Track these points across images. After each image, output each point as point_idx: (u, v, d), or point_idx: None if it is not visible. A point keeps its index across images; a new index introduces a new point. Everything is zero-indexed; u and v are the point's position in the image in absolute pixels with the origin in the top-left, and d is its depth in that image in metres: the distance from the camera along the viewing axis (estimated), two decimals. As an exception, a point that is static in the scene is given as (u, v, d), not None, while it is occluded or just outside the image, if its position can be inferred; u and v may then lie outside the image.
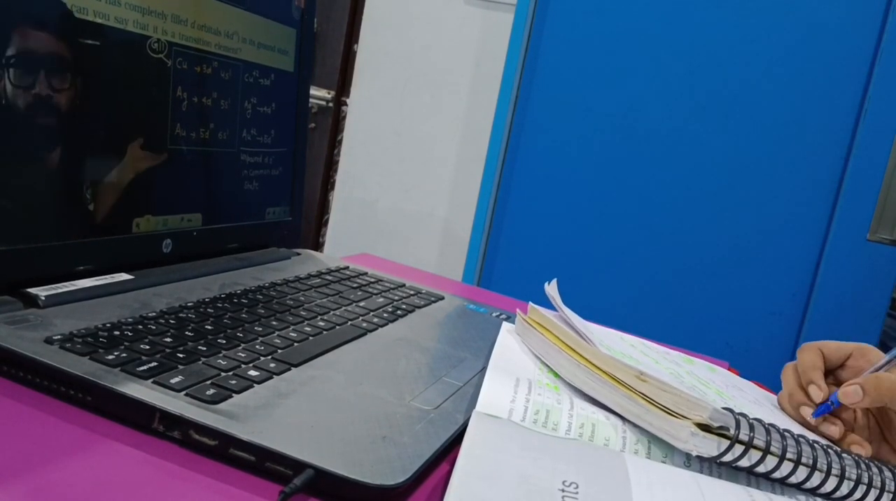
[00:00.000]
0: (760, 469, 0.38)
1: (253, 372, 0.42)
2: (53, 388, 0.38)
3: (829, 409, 0.51)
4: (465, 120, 1.95)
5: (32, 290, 0.46)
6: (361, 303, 0.62)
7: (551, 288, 0.58)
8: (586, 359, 0.46)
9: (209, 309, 0.51)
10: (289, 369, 0.44)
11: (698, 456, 0.39)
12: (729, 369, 0.71)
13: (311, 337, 0.50)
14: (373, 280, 0.72)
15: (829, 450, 0.40)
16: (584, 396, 0.45)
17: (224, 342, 0.46)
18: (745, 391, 0.56)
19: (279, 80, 0.74)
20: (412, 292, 0.71)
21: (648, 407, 0.40)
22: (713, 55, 1.63)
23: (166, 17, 0.57)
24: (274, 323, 0.52)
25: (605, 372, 0.44)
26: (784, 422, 0.45)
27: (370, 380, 0.46)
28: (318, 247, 2.14)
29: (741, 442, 0.38)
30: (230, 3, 0.65)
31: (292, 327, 0.52)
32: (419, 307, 0.66)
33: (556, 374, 0.48)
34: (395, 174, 2.03)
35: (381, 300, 0.65)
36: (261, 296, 0.58)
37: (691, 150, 1.67)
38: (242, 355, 0.44)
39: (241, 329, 0.49)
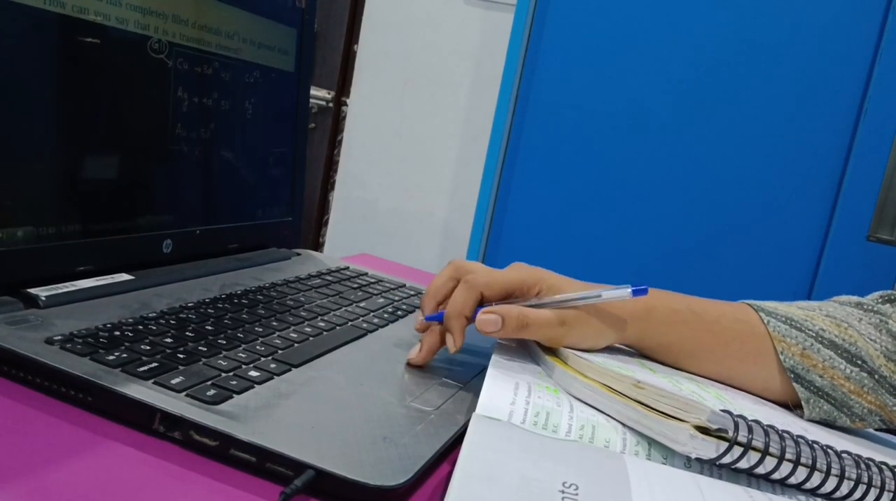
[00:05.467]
0: (760, 470, 0.38)
1: (253, 373, 0.42)
2: (54, 389, 0.38)
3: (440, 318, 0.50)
4: (465, 120, 1.95)
5: (33, 291, 0.46)
6: (362, 304, 0.62)
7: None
8: (581, 373, 0.46)
9: (209, 310, 0.52)
10: (289, 369, 0.44)
11: (698, 458, 0.39)
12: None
13: (311, 338, 0.51)
14: (373, 280, 0.72)
15: (829, 450, 0.40)
16: (583, 401, 0.45)
17: (224, 342, 0.46)
18: (747, 393, 0.56)
19: (279, 80, 0.74)
20: (412, 292, 0.71)
21: (646, 412, 0.41)
22: (713, 55, 1.64)
23: (167, 18, 0.57)
24: (274, 323, 0.52)
25: (600, 383, 0.44)
26: (784, 422, 0.45)
27: (370, 381, 0.46)
28: (318, 247, 2.14)
29: (740, 444, 0.38)
30: (231, 3, 0.65)
31: (293, 327, 0.52)
32: (419, 307, 0.66)
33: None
34: (395, 174, 2.03)
35: (382, 300, 0.65)
36: (261, 297, 0.58)
37: (691, 151, 1.67)
38: (243, 355, 0.44)
39: (241, 329, 0.49)
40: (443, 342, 0.51)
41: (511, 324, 0.48)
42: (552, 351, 0.51)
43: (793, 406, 0.54)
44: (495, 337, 0.49)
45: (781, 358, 0.53)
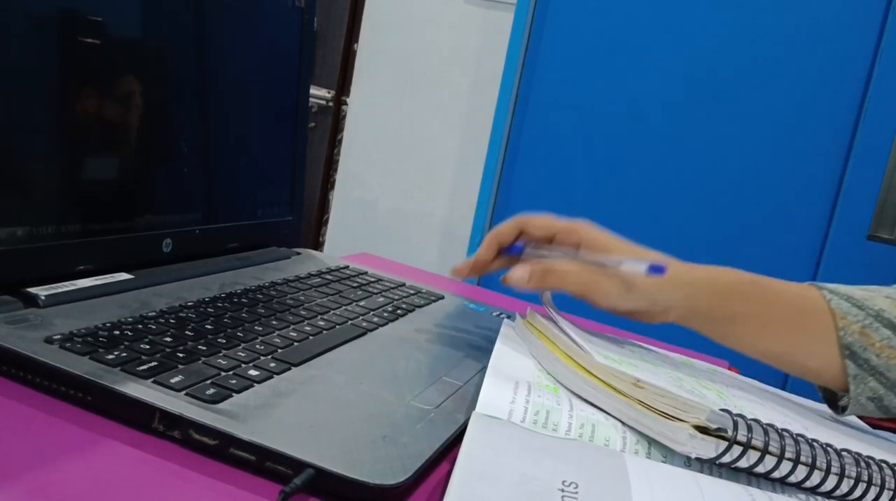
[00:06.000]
0: (759, 468, 0.38)
1: (253, 372, 0.42)
2: (53, 388, 0.38)
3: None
4: (465, 120, 1.95)
5: (32, 290, 0.46)
6: (361, 303, 0.62)
7: (546, 299, 0.58)
8: (583, 368, 0.46)
9: (209, 309, 0.52)
10: (289, 368, 0.44)
11: (698, 457, 0.39)
12: (729, 368, 0.71)
13: (311, 337, 0.51)
14: (373, 279, 0.72)
15: (829, 449, 0.40)
16: (583, 398, 0.45)
17: (224, 341, 0.46)
18: (746, 390, 0.56)
19: (279, 79, 0.74)
20: (412, 291, 0.71)
21: (646, 411, 0.40)
22: (713, 55, 1.64)
23: (167, 19, 0.57)
24: (274, 322, 0.52)
25: (601, 380, 0.44)
26: (785, 420, 0.45)
27: (370, 380, 0.46)
28: (318, 246, 2.14)
29: (739, 443, 0.38)
30: (231, 3, 0.65)
31: (292, 326, 0.52)
32: (419, 306, 0.66)
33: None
34: (395, 174, 2.03)
35: (381, 299, 0.65)
36: (261, 296, 0.58)
37: (691, 151, 1.67)
38: (242, 354, 0.44)
39: (241, 328, 0.49)
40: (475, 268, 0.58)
41: (537, 272, 0.52)
42: (556, 346, 0.51)
43: (842, 392, 0.54)
44: (525, 288, 0.52)
45: (840, 334, 0.52)
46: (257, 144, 0.72)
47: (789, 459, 0.39)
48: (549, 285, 0.52)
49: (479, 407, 0.41)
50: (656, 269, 0.49)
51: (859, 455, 0.40)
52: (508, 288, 0.55)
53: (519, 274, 0.52)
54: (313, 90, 2.07)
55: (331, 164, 2.14)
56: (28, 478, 0.30)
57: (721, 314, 0.54)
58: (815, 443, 0.39)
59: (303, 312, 0.56)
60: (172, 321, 0.47)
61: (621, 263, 0.50)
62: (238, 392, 0.39)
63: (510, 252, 0.57)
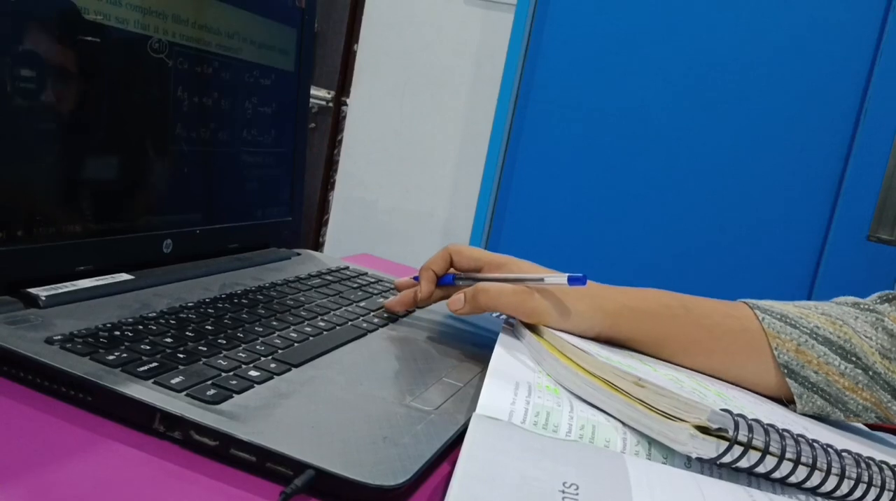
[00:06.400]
0: (760, 469, 0.38)
1: (253, 373, 0.42)
2: (54, 388, 0.38)
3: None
4: (465, 120, 1.95)
5: (33, 290, 0.46)
6: (362, 304, 0.62)
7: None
8: (583, 368, 0.46)
9: (209, 310, 0.52)
10: (289, 369, 0.44)
11: (698, 458, 0.39)
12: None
13: (311, 338, 0.51)
14: (373, 280, 0.72)
15: (829, 449, 0.40)
16: (583, 399, 0.45)
17: (224, 342, 0.46)
18: (745, 391, 0.56)
19: (279, 80, 0.74)
20: (412, 292, 0.71)
21: (647, 411, 0.40)
22: (713, 55, 1.64)
23: (167, 17, 0.57)
24: (274, 323, 0.52)
25: (601, 380, 0.44)
26: (784, 421, 0.45)
27: (370, 381, 0.46)
28: (318, 247, 2.14)
29: (740, 443, 0.38)
30: (231, 3, 0.65)
31: (293, 327, 0.52)
32: (419, 307, 0.66)
33: (555, 376, 0.48)
34: (395, 174, 2.03)
35: (382, 300, 0.65)
36: (261, 297, 0.58)
37: (691, 151, 1.67)
38: (243, 355, 0.44)
39: (241, 329, 0.49)
40: (415, 297, 0.60)
41: (469, 294, 0.53)
42: (555, 347, 0.51)
43: (786, 401, 0.55)
44: (462, 313, 0.54)
45: (776, 353, 0.53)
46: (257, 145, 0.72)
47: (790, 460, 0.39)
48: (482, 305, 0.53)
49: (480, 409, 0.41)
50: (576, 280, 0.50)
51: (860, 455, 0.40)
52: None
53: (454, 298, 0.55)
54: (313, 90, 2.07)
55: (331, 164, 2.14)
56: (28, 479, 0.30)
57: (645, 338, 0.55)
58: (815, 444, 0.39)
59: (303, 313, 0.56)
60: (173, 321, 0.47)
61: (543, 279, 0.52)
62: (238, 392, 0.39)
63: (442, 282, 0.60)
